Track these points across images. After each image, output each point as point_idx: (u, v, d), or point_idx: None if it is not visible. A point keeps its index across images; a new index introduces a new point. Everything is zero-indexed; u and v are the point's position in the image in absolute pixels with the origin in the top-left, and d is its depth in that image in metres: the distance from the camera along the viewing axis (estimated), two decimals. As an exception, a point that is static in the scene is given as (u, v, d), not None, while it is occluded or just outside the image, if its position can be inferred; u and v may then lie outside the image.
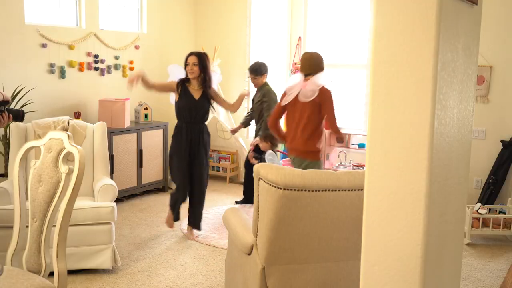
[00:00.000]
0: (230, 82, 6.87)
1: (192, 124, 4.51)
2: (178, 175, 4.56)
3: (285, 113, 4.40)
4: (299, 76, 4.26)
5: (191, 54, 4.53)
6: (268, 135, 4.92)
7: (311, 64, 4.21)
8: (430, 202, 1.59)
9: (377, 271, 1.69)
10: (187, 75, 4.54)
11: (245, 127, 5.92)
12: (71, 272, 3.69)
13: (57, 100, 5.43)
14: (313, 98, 4.09)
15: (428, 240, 1.61)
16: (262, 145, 5.01)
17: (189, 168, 4.55)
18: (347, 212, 2.51)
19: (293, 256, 2.57)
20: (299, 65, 4.35)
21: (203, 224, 4.87)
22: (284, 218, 2.45)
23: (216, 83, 5.42)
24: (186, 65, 4.50)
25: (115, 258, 3.81)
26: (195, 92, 4.50)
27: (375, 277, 1.70)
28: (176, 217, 4.70)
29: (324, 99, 4.11)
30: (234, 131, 5.91)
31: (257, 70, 5.46)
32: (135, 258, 4.12)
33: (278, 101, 4.88)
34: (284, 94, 4.31)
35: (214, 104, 4.64)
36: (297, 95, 4.17)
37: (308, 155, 4.21)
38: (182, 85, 4.52)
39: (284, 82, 6.51)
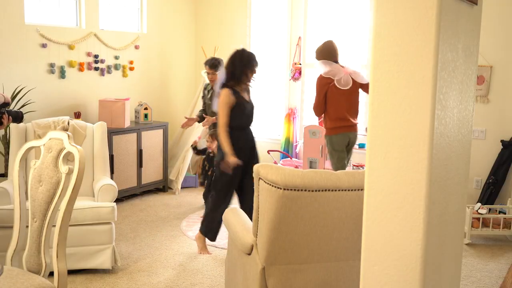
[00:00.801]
0: (230, 82, 6.87)
1: (249, 128, 4.21)
2: (232, 187, 4.17)
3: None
4: (329, 63, 4.61)
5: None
6: (215, 134, 4.63)
7: (337, 50, 4.70)
8: (430, 202, 1.59)
9: (377, 271, 1.69)
10: (234, 79, 4.08)
11: (199, 121, 5.35)
12: (71, 272, 3.69)
13: (57, 100, 5.43)
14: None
15: (428, 240, 1.61)
16: (211, 144, 4.89)
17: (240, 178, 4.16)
18: (347, 212, 2.51)
19: (293, 256, 2.57)
20: (326, 53, 4.66)
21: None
22: (284, 218, 2.45)
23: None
24: (251, 70, 4.10)
25: (115, 258, 3.81)
26: (245, 94, 4.14)
27: (375, 277, 1.70)
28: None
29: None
30: (186, 125, 5.33)
31: (217, 66, 5.12)
32: (135, 258, 4.12)
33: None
34: (329, 81, 4.57)
35: None
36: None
37: None
38: (234, 91, 4.06)
39: (284, 82, 6.51)
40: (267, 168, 2.46)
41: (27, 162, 3.52)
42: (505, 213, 4.76)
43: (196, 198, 5.97)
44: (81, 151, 2.40)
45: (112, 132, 5.34)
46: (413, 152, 1.58)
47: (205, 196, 5.07)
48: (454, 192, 1.85)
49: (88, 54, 5.67)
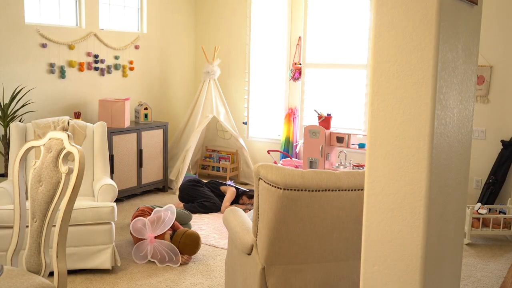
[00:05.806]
0: (230, 82, 6.87)
1: None
2: None
3: None
4: None
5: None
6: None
7: None
8: (430, 202, 1.59)
9: (377, 271, 1.69)
10: None
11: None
12: (71, 272, 3.69)
13: (57, 100, 5.43)
14: None
15: (428, 240, 1.61)
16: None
17: None
18: (347, 212, 2.51)
19: (293, 256, 2.57)
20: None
21: (203, 224, 4.86)
22: (284, 218, 2.45)
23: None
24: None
25: (115, 258, 3.81)
26: None
27: (375, 277, 1.70)
28: None
29: None
30: None
31: None
32: (135, 258, 4.12)
33: None
34: None
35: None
36: None
37: None
38: None
39: (284, 82, 6.51)
40: (267, 168, 2.46)
41: (27, 162, 3.52)
42: (505, 213, 4.76)
43: (196, 198, 5.95)
44: (81, 151, 2.40)
45: (112, 132, 5.34)
46: (413, 152, 1.58)
47: None
48: (454, 192, 1.85)
49: (88, 54, 5.67)
